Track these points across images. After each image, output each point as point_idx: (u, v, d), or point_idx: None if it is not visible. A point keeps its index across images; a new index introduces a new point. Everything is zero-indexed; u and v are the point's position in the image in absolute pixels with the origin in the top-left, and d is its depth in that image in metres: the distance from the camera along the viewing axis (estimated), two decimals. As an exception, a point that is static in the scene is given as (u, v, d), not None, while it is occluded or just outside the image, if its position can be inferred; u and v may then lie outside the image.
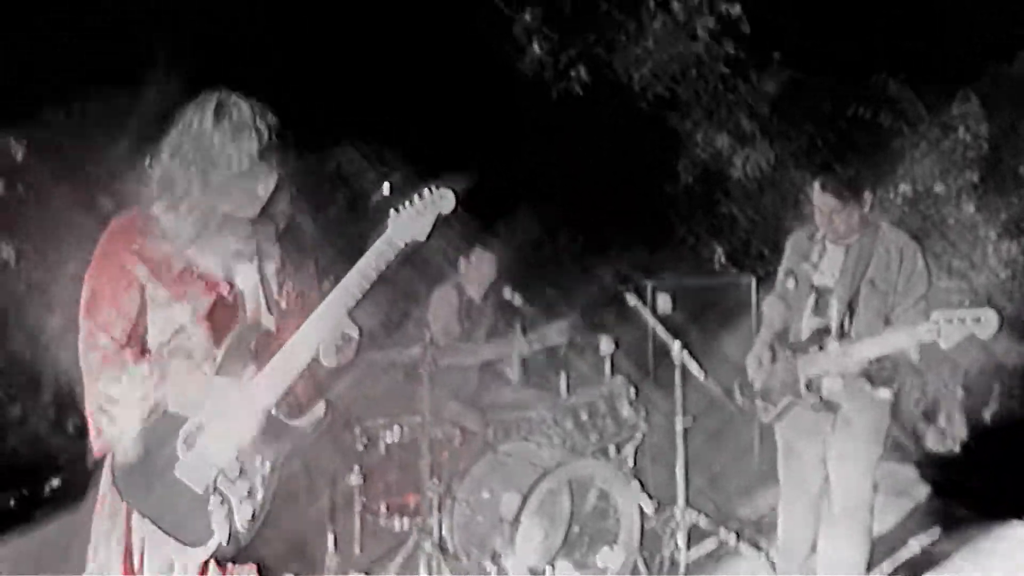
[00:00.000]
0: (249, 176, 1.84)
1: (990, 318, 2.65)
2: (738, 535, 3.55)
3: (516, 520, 3.07)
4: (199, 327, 1.85)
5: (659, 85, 4.63)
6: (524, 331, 3.89)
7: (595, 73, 4.58)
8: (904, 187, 5.42)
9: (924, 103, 5.59)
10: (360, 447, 3.33)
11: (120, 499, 1.80)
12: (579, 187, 4.57)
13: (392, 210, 1.92)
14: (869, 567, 3.13)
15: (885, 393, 3.00)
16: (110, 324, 1.84)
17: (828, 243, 3.12)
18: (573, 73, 4.59)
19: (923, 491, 4.34)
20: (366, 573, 3.22)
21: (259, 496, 1.80)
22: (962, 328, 2.67)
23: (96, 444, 1.84)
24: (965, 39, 5.22)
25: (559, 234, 4.60)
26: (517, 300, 3.93)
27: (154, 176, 1.88)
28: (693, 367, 3.42)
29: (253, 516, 1.79)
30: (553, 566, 3.25)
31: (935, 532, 3.82)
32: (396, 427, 3.39)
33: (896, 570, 3.52)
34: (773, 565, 3.41)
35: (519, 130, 4.53)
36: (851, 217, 3.02)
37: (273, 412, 1.82)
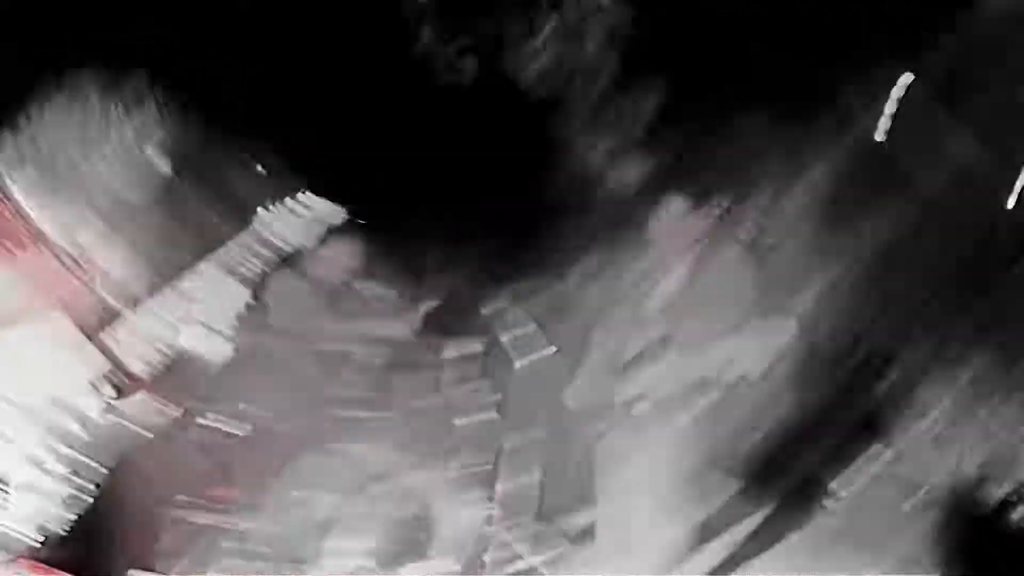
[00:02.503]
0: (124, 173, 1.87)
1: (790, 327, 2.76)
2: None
3: (327, 525, 2.99)
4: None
5: (544, 88, 4.56)
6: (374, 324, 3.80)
7: (485, 67, 4.46)
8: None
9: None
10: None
11: None
12: (452, 181, 4.45)
13: (261, 208, 1.85)
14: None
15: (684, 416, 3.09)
16: None
17: (664, 269, 3.23)
18: (461, 65, 4.45)
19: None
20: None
21: (84, 501, 1.75)
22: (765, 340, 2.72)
23: None
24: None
25: (425, 226, 4.47)
26: (371, 291, 3.83)
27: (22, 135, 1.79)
28: (547, 378, 3.42)
29: (75, 521, 1.73)
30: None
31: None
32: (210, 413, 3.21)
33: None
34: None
35: (397, 116, 4.35)
36: (690, 233, 3.08)
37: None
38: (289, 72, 4.11)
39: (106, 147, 1.81)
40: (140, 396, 1.84)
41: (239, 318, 1.85)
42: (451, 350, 3.83)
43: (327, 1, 4.18)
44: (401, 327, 3.78)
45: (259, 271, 1.89)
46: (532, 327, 3.62)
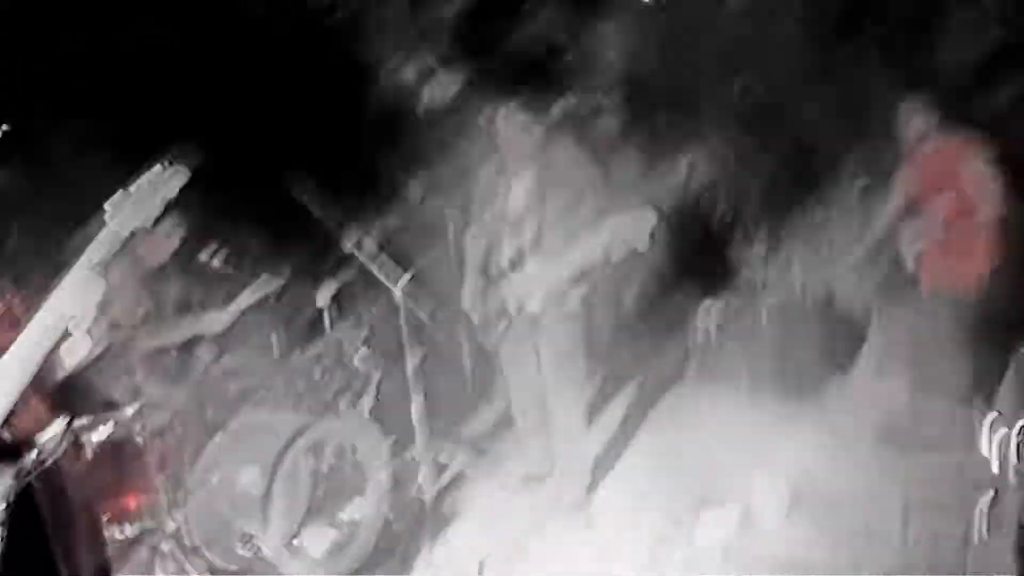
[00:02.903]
0: None
1: (649, 216, 2.96)
2: (471, 463, 3.78)
3: (267, 494, 2.93)
4: None
5: (340, 11, 4.41)
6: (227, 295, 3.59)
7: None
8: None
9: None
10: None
11: None
12: (264, 123, 4.22)
13: (113, 198, 1.78)
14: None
15: (573, 302, 3.28)
16: None
17: (513, 173, 3.32)
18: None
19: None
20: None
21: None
22: (628, 229, 2.97)
23: None
24: None
25: (253, 180, 4.22)
26: (216, 263, 3.60)
27: None
28: (414, 307, 3.44)
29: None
30: (301, 532, 3.19)
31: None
32: (102, 426, 2.97)
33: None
34: (501, 483, 3.71)
35: (193, 56, 4.01)
36: (524, 141, 3.24)
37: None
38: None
39: None
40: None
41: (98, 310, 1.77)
42: (322, 297, 3.76)
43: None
44: (257, 288, 3.61)
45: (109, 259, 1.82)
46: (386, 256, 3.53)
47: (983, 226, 3.56)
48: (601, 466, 3.75)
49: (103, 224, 1.77)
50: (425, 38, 4.67)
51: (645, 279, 4.54)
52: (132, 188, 1.80)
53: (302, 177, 3.48)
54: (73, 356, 1.80)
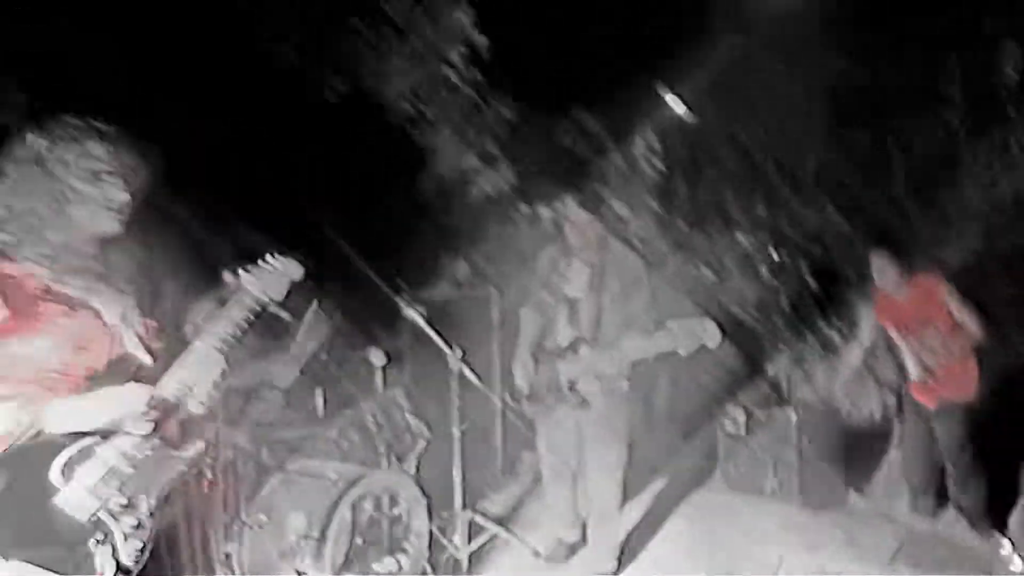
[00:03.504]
0: (97, 223, 1.82)
1: (712, 329, 3.15)
2: (507, 528, 3.89)
3: (322, 537, 3.05)
4: (64, 356, 1.73)
5: (406, 103, 4.81)
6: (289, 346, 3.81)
7: (351, 84, 4.61)
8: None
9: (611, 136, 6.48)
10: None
11: None
12: (332, 195, 4.55)
13: (242, 270, 2.00)
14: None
15: (623, 388, 3.49)
16: None
17: (574, 259, 3.56)
18: (329, 83, 4.57)
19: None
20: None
21: (147, 528, 1.74)
22: (692, 338, 3.17)
23: None
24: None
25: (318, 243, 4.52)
26: (283, 314, 3.83)
27: None
28: (469, 374, 3.64)
29: (141, 550, 1.72)
30: (341, 580, 3.27)
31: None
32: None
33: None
34: (535, 551, 3.81)
35: (274, 134, 4.37)
36: (590, 232, 3.50)
37: (157, 442, 1.77)
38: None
39: (75, 210, 1.84)
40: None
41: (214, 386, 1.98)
42: (376, 356, 3.95)
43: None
44: (317, 345, 3.83)
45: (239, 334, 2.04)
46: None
47: (973, 340, 3.88)
48: (631, 541, 3.86)
49: (230, 294, 1.99)
50: (483, 133, 5.06)
51: (678, 376, 4.80)
52: (261, 264, 2.01)
53: (362, 247, 3.77)
54: (196, 408, 1.90)
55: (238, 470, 3.24)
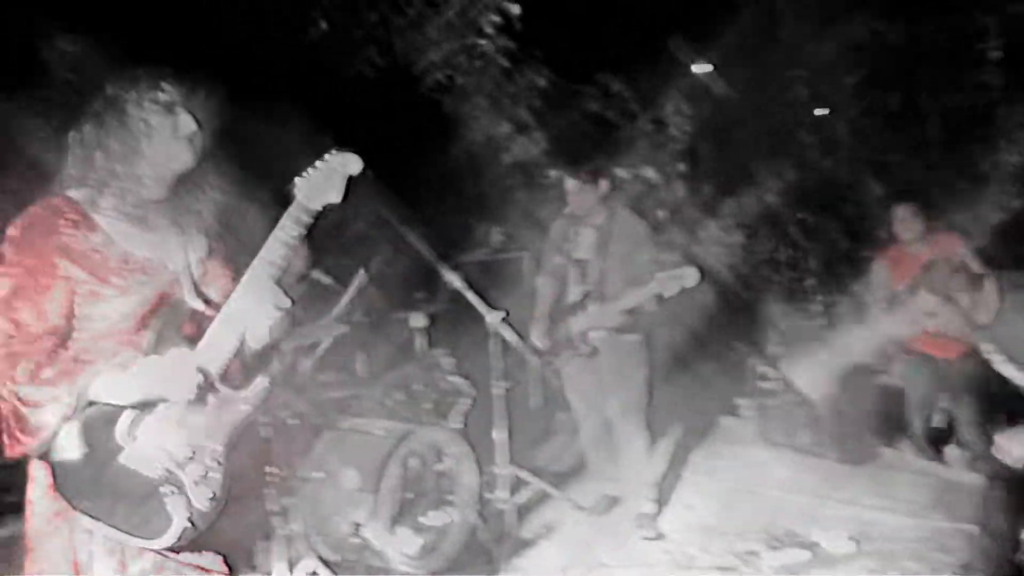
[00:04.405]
0: (173, 152, 1.80)
1: (692, 273, 3.49)
2: (552, 484, 4.00)
3: (377, 488, 3.16)
4: (139, 314, 1.75)
5: (440, 73, 4.87)
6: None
7: (386, 56, 4.68)
8: (621, 171, 6.27)
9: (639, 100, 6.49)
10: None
11: (67, 505, 1.65)
12: (373, 166, 4.64)
13: (297, 177, 1.89)
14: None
15: (633, 338, 3.77)
16: (30, 325, 1.67)
17: (581, 225, 3.83)
18: (363, 55, 4.64)
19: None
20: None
21: (216, 476, 1.75)
22: (674, 281, 3.50)
23: (16, 449, 1.66)
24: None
25: (361, 214, 4.61)
26: (326, 279, 3.96)
27: (74, 157, 1.77)
28: (511, 336, 3.73)
29: (213, 497, 1.74)
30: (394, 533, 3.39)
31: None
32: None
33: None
34: (578, 505, 3.93)
35: (313, 107, 4.46)
36: (588, 198, 3.74)
37: (218, 387, 1.76)
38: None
39: (150, 149, 1.85)
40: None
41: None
42: (417, 318, 4.07)
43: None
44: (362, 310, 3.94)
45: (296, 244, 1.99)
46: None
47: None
48: (668, 485, 4.05)
49: (292, 199, 1.83)
50: (515, 101, 5.11)
51: (694, 324, 4.90)
52: (318, 164, 1.87)
53: (405, 214, 3.87)
54: (255, 342, 1.86)
55: (290, 428, 3.36)
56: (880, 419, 4.61)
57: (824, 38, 6.48)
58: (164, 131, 1.78)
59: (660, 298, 3.59)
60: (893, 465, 4.46)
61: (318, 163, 1.90)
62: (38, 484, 1.72)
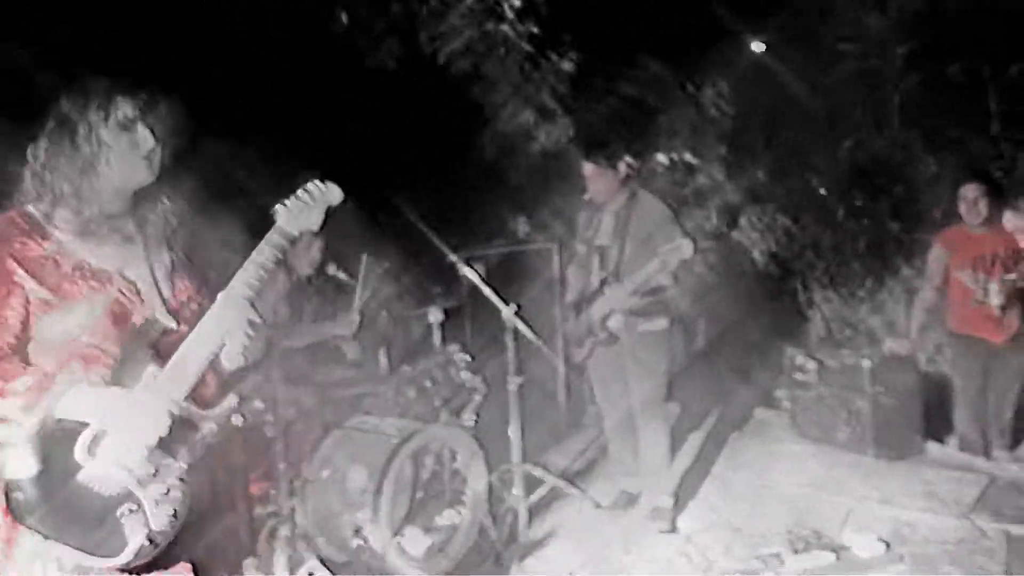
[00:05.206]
0: (130, 169, 1.79)
1: (687, 244, 3.40)
2: (569, 480, 3.93)
3: (379, 490, 3.15)
4: (97, 328, 1.74)
5: (464, 61, 4.80)
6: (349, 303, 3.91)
7: (407, 46, 4.63)
8: (662, 157, 6.09)
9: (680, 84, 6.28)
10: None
11: (16, 523, 1.66)
12: (392, 159, 4.63)
13: (279, 204, 1.91)
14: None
15: (659, 323, 3.72)
16: None
17: (603, 212, 3.80)
18: (385, 47, 4.60)
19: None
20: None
21: (177, 494, 1.72)
22: (673, 254, 3.40)
23: None
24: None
25: (379, 208, 4.61)
26: (342, 276, 3.96)
27: (31, 172, 1.77)
28: (524, 330, 3.66)
29: (175, 515, 1.71)
30: (403, 532, 3.38)
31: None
32: (237, 416, 3.27)
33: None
34: (596, 503, 3.84)
35: (332, 100, 4.46)
36: (606, 183, 3.69)
37: (184, 405, 1.73)
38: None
39: (106, 166, 1.83)
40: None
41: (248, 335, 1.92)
42: (434, 314, 4.02)
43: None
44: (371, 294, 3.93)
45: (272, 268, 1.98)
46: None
47: None
48: (687, 482, 3.94)
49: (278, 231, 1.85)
50: (541, 88, 5.00)
51: (717, 315, 4.76)
52: (300, 194, 1.91)
53: (422, 206, 3.84)
54: (231, 363, 1.87)
55: (298, 428, 3.38)
56: (924, 411, 4.37)
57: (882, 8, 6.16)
58: (121, 148, 1.77)
59: (675, 277, 3.58)
60: (937, 461, 4.23)
61: (300, 192, 1.93)
62: None
